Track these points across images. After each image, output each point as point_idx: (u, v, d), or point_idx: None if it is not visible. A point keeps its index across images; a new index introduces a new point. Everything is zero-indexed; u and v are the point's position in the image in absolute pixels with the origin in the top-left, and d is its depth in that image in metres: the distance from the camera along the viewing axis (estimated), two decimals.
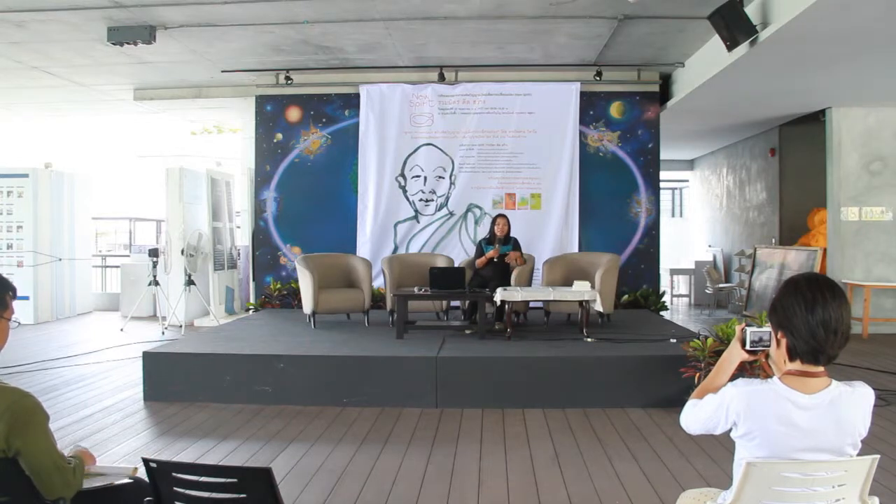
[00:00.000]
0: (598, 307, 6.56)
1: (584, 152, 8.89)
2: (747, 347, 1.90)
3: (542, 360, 5.47)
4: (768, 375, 1.89)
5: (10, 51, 7.71)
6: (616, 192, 8.89)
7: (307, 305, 7.12)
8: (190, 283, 8.92)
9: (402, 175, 9.01)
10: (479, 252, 7.22)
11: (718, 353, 4.36)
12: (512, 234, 7.28)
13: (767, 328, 1.87)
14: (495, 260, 7.09)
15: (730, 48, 6.19)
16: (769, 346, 1.87)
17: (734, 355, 1.95)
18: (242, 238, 10.57)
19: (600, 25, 7.12)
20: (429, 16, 6.86)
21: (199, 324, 9.36)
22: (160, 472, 1.92)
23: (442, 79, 8.68)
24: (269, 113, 9.17)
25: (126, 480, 2.28)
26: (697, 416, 1.92)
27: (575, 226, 8.86)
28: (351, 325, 7.23)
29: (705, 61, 7.61)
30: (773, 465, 1.75)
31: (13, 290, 2.10)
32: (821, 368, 1.78)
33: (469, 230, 8.95)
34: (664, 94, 9.04)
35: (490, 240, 7.23)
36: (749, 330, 1.89)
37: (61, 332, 9.14)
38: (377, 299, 8.12)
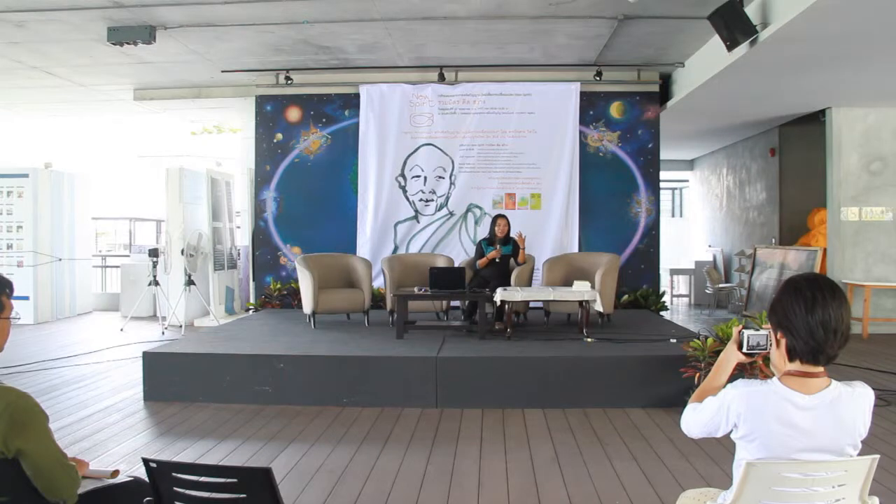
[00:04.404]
0: (598, 307, 6.56)
1: (584, 152, 8.89)
2: (744, 350, 1.90)
3: (542, 360, 5.47)
4: (766, 377, 1.89)
5: (10, 51, 7.71)
6: (616, 192, 8.89)
7: (307, 305, 7.12)
8: (190, 283, 8.92)
9: (402, 175, 9.01)
10: (480, 252, 7.21)
11: (718, 353, 4.36)
12: (511, 234, 7.28)
13: (765, 332, 1.87)
14: (497, 260, 7.08)
15: (730, 48, 6.19)
16: (766, 349, 1.87)
17: (731, 357, 1.95)
18: (242, 238, 10.57)
19: (600, 25, 7.12)
20: (429, 16, 6.86)
21: (199, 324, 9.36)
22: (160, 472, 1.92)
23: (442, 79, 8.68)
24: (269, 113, 9.17)
25: (126, 479, 2.29)
26: (698, 419, 1.92)
27: (575, 226, 8.86)
28: (351, 325, 7.23)
29: (705, 61, 7.61)
30: (773, 465, 1.75)
31: (10, 287, 2.09)
32: (820, 369, 1.78)
33: (469, 230, 8.94)
34: (664, 94, 9.04)
35: (490, 240, 7.23)
36: (746, 333, 1.88)
37: (61, 332, 9.14)
38: (377, 299, 8.12)
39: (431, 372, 5.30)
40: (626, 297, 8.51)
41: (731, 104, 8.94)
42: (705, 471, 3.81)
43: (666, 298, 9.14)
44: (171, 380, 5.46)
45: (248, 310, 9.43)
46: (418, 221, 9.01)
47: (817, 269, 8.64)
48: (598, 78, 8.55)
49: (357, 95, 9.03)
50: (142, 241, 13.55)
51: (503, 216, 7.27)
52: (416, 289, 6.82)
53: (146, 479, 1.98)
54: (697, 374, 4.88)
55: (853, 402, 1.77)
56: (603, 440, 4.42)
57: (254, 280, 9.58)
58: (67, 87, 9.37)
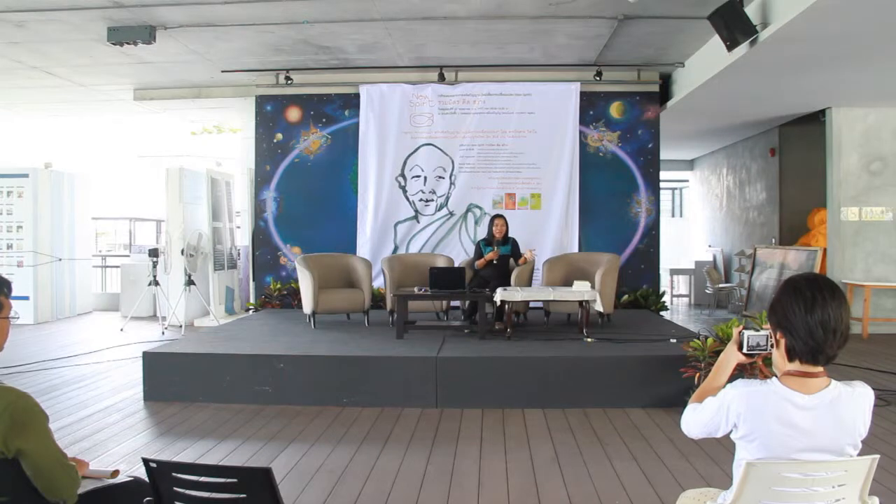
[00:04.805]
0: (598, 307, 6.55)
1: (584, 152, 8.89)
2: (745, 351, 1.90)
3: (542, 360, 5.47)
4: (766, 377, 1.89)
5: (10, 51, 7.71)
6: (616, 192, 8.89)
7: (307, 305, 7.12)
8: (190, 283, 8.92)
9: (402, 175, 9.01)
10: (479, 253, 7.21)
11: (718, 353, 4.36)
12: (510, 235, 7.28)
13: (765, 332, 1.87)
14: (495, 262, 7.08)
15: (730, 48, 6.19)
16: (766, 349, 1.87)
17: (731, 358, 1.95)
18: (242, 238, 10.57)
19: (600, 25, 7.12)
20: (429, 16, 6.86)
21: (199, 324, 9.36)
22: (160, 472, 1.92)
23: (442, 79, 8.68)
24: (269, 113, 9.17)
25: (126, 479, 2.29)
26: (698, 420, 1.92)
27: (575, 226, 8.86)
28: (351, 325, 7.22)
29: (705, 61, 7.61)
30: (773, 465, 1.75)
31: (8, 286, 2.09)
32: (820, 369, 1.78)
33: (469, 230, 8.94)
34: (664, 94, 9.04)
35: (489, 241, 7.23)
36: (746, 334, 1.89)
37: (61, 332, 9.14)
38: (377, 299, 8.12)
39: (431, 372, 5.30)
40: (626, 297, 8.51)
41: (731, 104, 8.94)
42: (705, 471, 3.81)
43: (666, 298, 9.14)
44: (171, 380, 5.46)
45: (248, 310, 9.43)
46: (418, 221, 9.00)
47: (817, 269, 8.63)
48: (598, 78, 8.55)
49: (357, 95, 9.02)
50: (142, 241, 13.56)
51: (500, 216, 7.27)
52: (416, 289, 6.82)
53: (146, 479, 1.98)
54: (697, 374, 4.88)
55: (853, 401, 1.77)
56: (603, 440, 4.42)
57: (254, 280, 9.58)
58: (67, 87, 9.36)
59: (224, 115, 11.05)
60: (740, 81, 7.56)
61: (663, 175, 9.64)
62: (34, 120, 11.84)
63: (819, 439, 1.75)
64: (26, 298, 9.63)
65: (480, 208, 8.91)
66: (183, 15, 6.70)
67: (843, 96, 8.42)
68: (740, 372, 2.06)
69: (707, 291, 11.70)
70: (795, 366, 1.79)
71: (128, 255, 12.27)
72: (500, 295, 6.31)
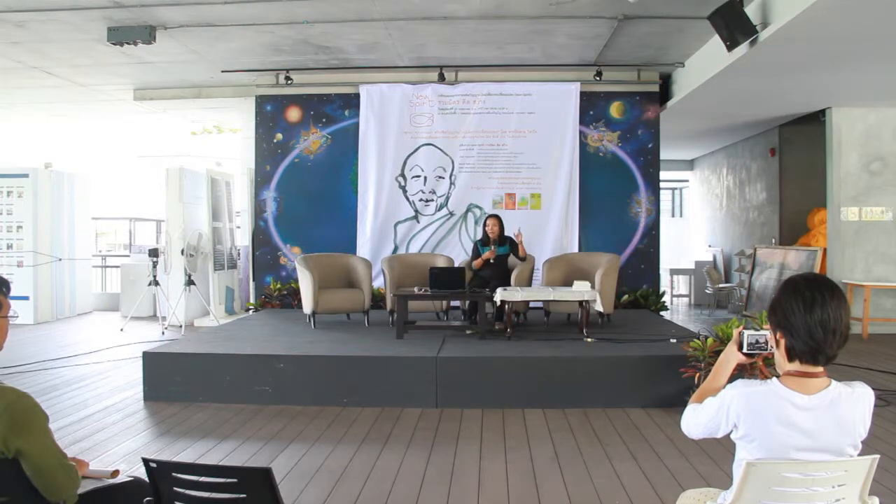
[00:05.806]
0: (598, 307, 6.55)
1: (584, 152, 8.89)
2: (745, 351, 1.90)
3: (542, 360, 5.47)
4: (766, 377, 1.89)
5: (10, 51, 7.71)
6: (616, 192, 8.89)
7: (307, 305, 7.12)
8: (190, 283, 8.92)
9: (402, 175, 9.01)
10: (476, 254, 7.21)
11: (718, 353, 4.36)
12: (507, 234, 7.26)
13: (765, 332, 1.87)
14: (491, 261, 7.08)
15: (730, 48, 6.19)
16: (766, 349, 1.87)
17: (731, 358, 1.96)
18: (242, 238, 10.57)
19: (600, 25, 7.12)
20: (429, 16, 6.86)
21: (199, 324, 9.36)
22: (160, 472, 1.92)
23: (442, 79, 8.68)
24: (269, 113, 9.17)
25: (126, 479, 2.29)
26: (698, 420, 1.92)
27: (575, 226, 8.86)
28: (351, 325, 7.23)
29: (705, 61, 7.61)
30: (773, 465, 1.75)
31: (7, 286, 2.09)
32: (820, 369, 1.78)
33: (469, 230, 8.94)
34: (664, 94, 9.04)
35: (485, 241, 7.22)
36: (746, 333, 1.89)
37: (61, 332, 9.14)
38: (377, 299, 8.12)
39: (431, 372, 5.29)
40: (626, 297, 8.51)
41: (731, 104, 8.94)
42: (705, 471, 3.81)
43: (666, 298, 9.14)
44: (171, 380, 5.46)
45: (248, 310, 9.43)
46: (418, 221, 9.00)
47: (817, 269, 8.63)
48: (598, 78, 8.55)
49: (357, 95, 9.02)
50: (142, 241, 13.55)
51: (493, 216, 7.26)
52: (416, 289, 6.82)
53: (146, 479, 1.98)
54: (697, 374, 4.88)
55: (853, 402, 1.77)
56: (603, 440, 4.42)
57: (254, 280, 9.57)
58: (67, 87, 9.36)
59: (224, 115, 11.05)
60: (740, 81, 7.56)
61: (663, 175, 9.64)
62: (34, 120, 11.85)
63: (819, 439, 1.75)
64: (26, 298, 9.63)
65: (480, 208, 8.91)
66: (183, 15, 6.71)
67: (843, 96, 8.42)
68: (740, 372, 2.06)
69: (707, 291, 11.70)
70: (795, 366, 1.79)
71: (128, 255, 12.26)
72: (500, 295, 6.31)
